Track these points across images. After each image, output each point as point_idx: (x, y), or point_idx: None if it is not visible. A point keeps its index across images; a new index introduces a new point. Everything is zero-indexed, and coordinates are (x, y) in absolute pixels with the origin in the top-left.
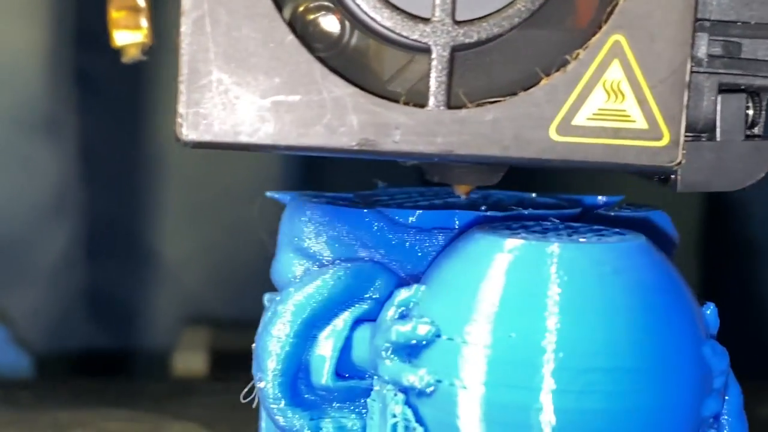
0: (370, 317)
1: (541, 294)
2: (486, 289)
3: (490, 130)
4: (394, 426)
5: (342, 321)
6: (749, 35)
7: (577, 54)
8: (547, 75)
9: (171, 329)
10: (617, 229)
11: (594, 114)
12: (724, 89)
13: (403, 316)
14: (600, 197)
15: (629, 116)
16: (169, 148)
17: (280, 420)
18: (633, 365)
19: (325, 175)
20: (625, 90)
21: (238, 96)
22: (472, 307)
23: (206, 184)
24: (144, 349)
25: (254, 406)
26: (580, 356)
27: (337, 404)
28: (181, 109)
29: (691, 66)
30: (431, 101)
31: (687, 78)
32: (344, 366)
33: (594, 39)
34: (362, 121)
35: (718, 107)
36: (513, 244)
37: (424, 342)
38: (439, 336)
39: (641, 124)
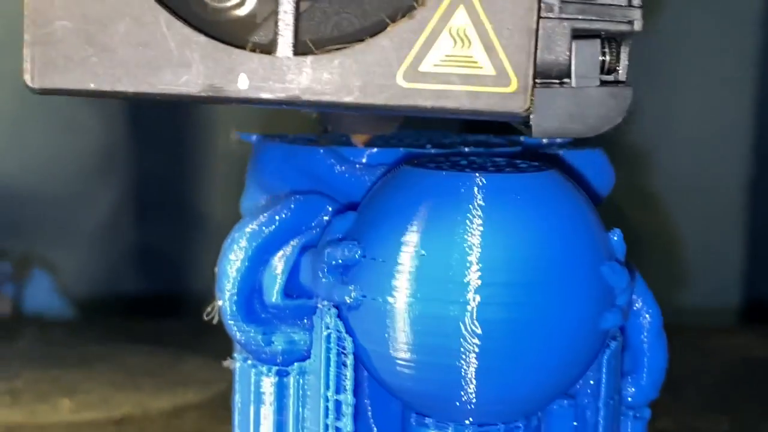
0: (316, 244)
1: (451, 217)
2: (405, 214)
3: (338, 77)
4: (328, 336)
5: (291, 247)
6: None
7: (423, 0)
8: (394, 22)
9: (213, 287)
10: (537, 163)
11: (441, 60)
12: (579, 35)
13: (338, 240)
14: (548, 138)
15: (476, 62)
16: (218, 108)
17: (237, 335)
18: (527, 279)
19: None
20: (472, 36)
21: (83, 43)
22: (392, 230)
23: None
24: (183, 299)
25: (214, 322)
26: (481, 272)
27: (288, 321)
28: (27, 56)
29: (541, 12)
30: (278, 48)
31: (534, 24)
32: (293, 287)
33: None
34: (208, 67)
35: (573, 53)
36: (430, 174)
37: (352, 262)
38: (365, 256)
39: (489, 70)
